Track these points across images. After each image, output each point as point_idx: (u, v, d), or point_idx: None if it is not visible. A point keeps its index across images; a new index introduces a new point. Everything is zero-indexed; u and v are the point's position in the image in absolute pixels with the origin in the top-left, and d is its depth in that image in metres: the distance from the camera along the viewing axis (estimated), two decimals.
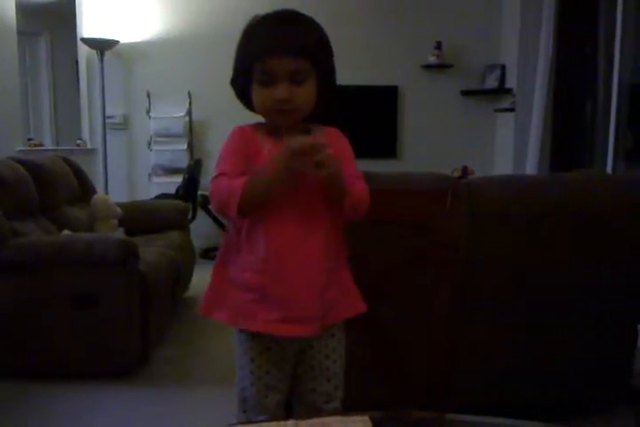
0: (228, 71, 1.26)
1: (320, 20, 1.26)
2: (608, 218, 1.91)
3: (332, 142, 1.23)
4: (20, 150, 4.59)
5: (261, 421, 1.25)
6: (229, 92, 1.27)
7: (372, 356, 1.76)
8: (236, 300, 1.24)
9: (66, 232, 2.97)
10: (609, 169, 3.58)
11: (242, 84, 1.22)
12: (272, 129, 1.25)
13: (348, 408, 1.30)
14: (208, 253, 4.63)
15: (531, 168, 4.16)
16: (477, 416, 1.08)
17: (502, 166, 4.95)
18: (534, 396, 2.00)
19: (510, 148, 4.58)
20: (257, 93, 1.20)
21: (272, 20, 1.20)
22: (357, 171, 1.27)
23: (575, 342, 1.96)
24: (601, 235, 1.91)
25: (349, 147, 1.30)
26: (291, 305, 1.21)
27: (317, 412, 1.28)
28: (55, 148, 5.49)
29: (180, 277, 3.26)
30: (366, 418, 0.92)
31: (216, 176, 1.19)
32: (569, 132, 4.27)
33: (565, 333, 1.95)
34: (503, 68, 4.98)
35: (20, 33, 4.73)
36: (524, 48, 4.27)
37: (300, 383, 1.30)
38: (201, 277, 3.29)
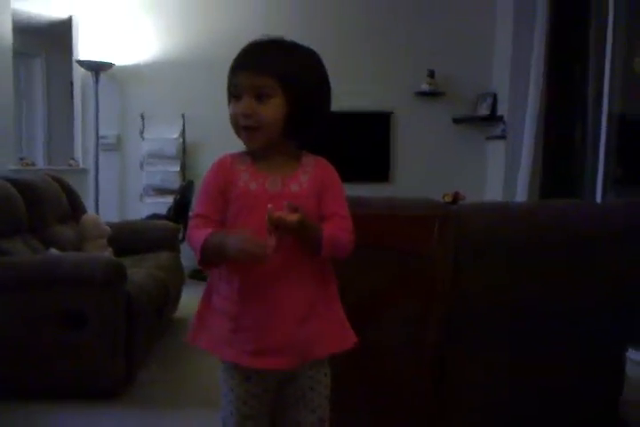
0: (222, 94, 1.27)
1: (316, 46, 1.27)
2: (595, 245, 1.91)
3: (321, 176, 1.25)
4: (12, 169, 4.58)
5: None
6: (223, 115, 1.28)
7: (359, 384, 1.73)
8: (217, 328, 1.24)
9: (53, 251, 2.95)
10: (598, 198, 3.61)
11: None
12: (254, 157, 1.25)
13: None
14: (197, 274, 4.59)
15: (521, 195, 4.18)
16: None
17: (493, 193, 4.97)
18: (522, 425, 1.98)
19: (501, 175, 4.62)
20: (229, 109, 1.22)
21: (255, 43, 1.23)
22: (344, 209, 1.25)
23: (564, 371, 1.95)
24: (588, 262, 1.90)
25: (338, 181, 1.28)
26: (266, 336, 1.19)
27: None
28: (47, 167, 5.49)
29: (169, 298, 3.23)
30: None
31: (193, 217, 1.24)
32: (559, 160, 4.32)
33: (554, 362, 1.94)
34: (494, 96, 5.04)
35: (17, 53, 4.77)
36: (516, 77, 4.34)
37: (285, 415, 1.28)
38: (190, 299, 3.25)
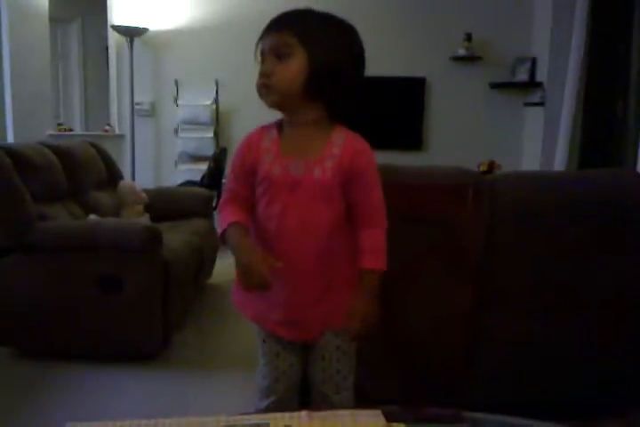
0: (254, 60, 1.26)
1: (349, 11, 1.25)
2: (635, 216, 1.87)
3: (349, 161, 1.20)
4: (50, 135, 4.67)
5: (269, 404, 1.31)
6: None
7: (388, 351, 1.76)
8: (251, 297, 1.28)
9: (92, 217, 3.02)
10: (639, 168, 3.51)
11: None
12: (280, 130, 1.25)
13: (360, 402, 1.32)
14: None
15: (559, 164, 4.09)
16: (494, 415, 1.08)
17: (530, 162, 4.88)
18: (551, 395, 1.99)
19: (539, 143, 4.51)
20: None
21: (279, 14, 1.22)
22: (378, 194, 1.24)
23: (593, 342, 1.94)
24: (626, 233, 1.87)
25: (372, 165, 1.23)
26: (292, 308, 1.26)
27: (329, 403, 1.31)
28: (84, 133, 5.57)
29: (204, 263, 3.29)
30: (379, 412, 0.93)
31: (225, 189, 1.31)
32: (599, 128, 4.19)
33: (585, 332, 1.93)
34: (534, 60, 4.89)
35: (53, 18, 4.79)
36: (556, 41, 4.19)
37: (312, 373, 1.34)
38: (224, 264, 3.33)
